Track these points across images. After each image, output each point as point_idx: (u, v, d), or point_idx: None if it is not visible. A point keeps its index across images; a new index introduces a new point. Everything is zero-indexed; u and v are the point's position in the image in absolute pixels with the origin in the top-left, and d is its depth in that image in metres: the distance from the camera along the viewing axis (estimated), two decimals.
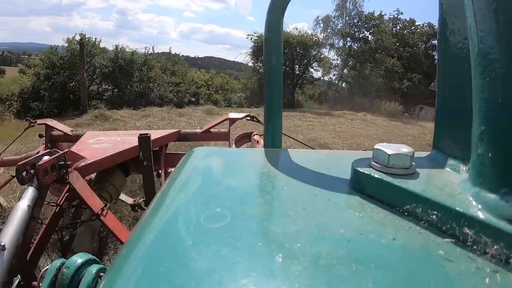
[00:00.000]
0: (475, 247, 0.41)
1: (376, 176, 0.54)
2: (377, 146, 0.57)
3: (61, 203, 1.71)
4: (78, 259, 0.72)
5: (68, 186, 1.56)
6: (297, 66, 23.73)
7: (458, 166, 0.56)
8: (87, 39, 18.36)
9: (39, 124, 2.57)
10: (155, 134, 2.10)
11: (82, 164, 1.66)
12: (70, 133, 2.50)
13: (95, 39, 19.40)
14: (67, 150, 1.58)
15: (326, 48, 26.00)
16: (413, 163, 0.56)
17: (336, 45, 26.30)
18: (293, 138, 3.29)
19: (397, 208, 0.50)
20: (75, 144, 2.09)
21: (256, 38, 23.09)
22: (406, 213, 0.48)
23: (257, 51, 22.98)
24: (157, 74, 20.22)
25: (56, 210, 1.74)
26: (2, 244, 1.09)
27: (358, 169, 0.56)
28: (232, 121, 2.41)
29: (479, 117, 0.46)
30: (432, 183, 0.52)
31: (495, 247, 0.39)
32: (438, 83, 0.64)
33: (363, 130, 13.55)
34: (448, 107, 0.62)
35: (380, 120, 17.32)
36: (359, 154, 0.68)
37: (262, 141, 0.97)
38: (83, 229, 1.86)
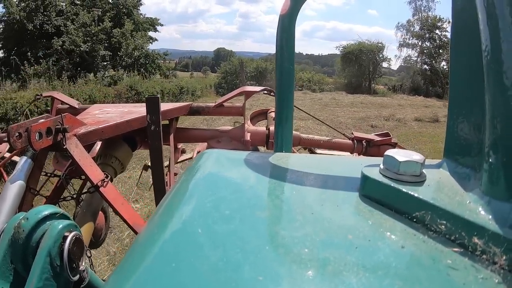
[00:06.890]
0: (483, 257, 0.40)
1: (385, 182, 0.53)
2: (387, 152, 0.56)
3: (63, 176, 1.61)
4: (43, 210, 0.59)
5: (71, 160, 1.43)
6: (371, 66, 32.20)
7: (469, 175, 0.55)
8: (243, 58, 34.88)
9: (45, 96, 2.35)
10: (164, 106, 1.92)
11: (82, 131, 1.50)
12: (77, 106, 2.27)
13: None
14: (65, 114, 1.44)
15: (409, 48, 34.08)
16: (423, 170, 0.55)
17: (415, 45, 33.53)
18: (308, 114, 2.76)
19: (406, 216, 0.49)
20: (79, 115, 1.90)
21: (342, 48, 32.80)
22: (415, 221, 0.48)
23: (344, 57, 32.54)
24: None
25: (58, 184, 1.66)
26: None
27: (368, 175, 0.56)
28: (248, 94, 2.13)
29: (491, 125, 0.45)
30: (442, 191, 0.51)
31: (504, 257, 0.38)
32: (450, 90, 0.62)
33: (385, 102, 20.82)
34: (460, 114, 0.60)
35: (416, 101, 23.52)
36: (369, 160, 0.67)
37: None
38: (85, 200, 1.71)
